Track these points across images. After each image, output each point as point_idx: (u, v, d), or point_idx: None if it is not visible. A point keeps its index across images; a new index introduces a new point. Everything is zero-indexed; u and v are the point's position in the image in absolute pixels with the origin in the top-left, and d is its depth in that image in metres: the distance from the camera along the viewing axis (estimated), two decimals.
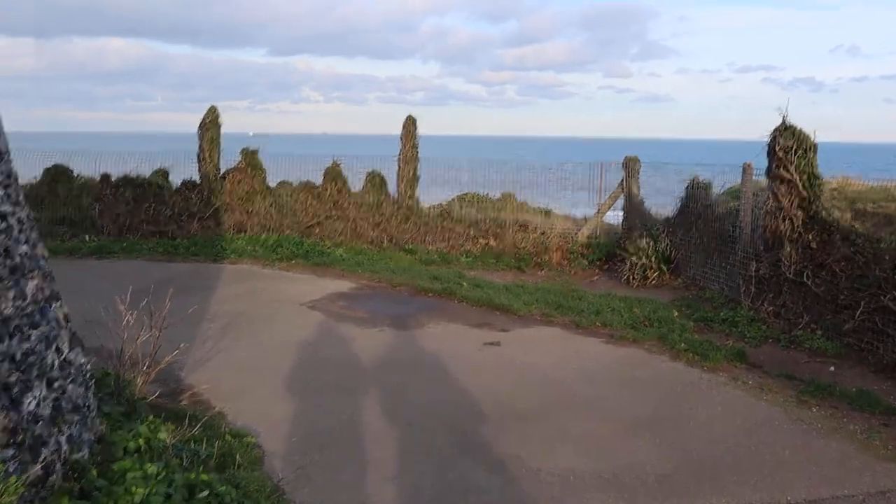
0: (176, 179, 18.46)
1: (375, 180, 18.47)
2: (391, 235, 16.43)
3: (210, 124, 16.75)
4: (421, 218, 16.52)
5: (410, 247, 16.17)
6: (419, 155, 16.62)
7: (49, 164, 19.58)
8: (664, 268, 13.76)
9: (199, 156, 17.08)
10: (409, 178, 16.48)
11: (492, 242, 16.30)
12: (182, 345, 8.02)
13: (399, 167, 16.59)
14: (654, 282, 13.69)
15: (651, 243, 13.98)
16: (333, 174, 16.75)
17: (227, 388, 7.87)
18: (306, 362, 8.76)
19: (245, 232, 16.74)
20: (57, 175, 19.42)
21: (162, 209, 16.92)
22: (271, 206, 16.82)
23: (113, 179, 17.23)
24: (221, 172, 17.18)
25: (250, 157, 16.92)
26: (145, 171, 19.33)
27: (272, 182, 17.91)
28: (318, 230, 16.68)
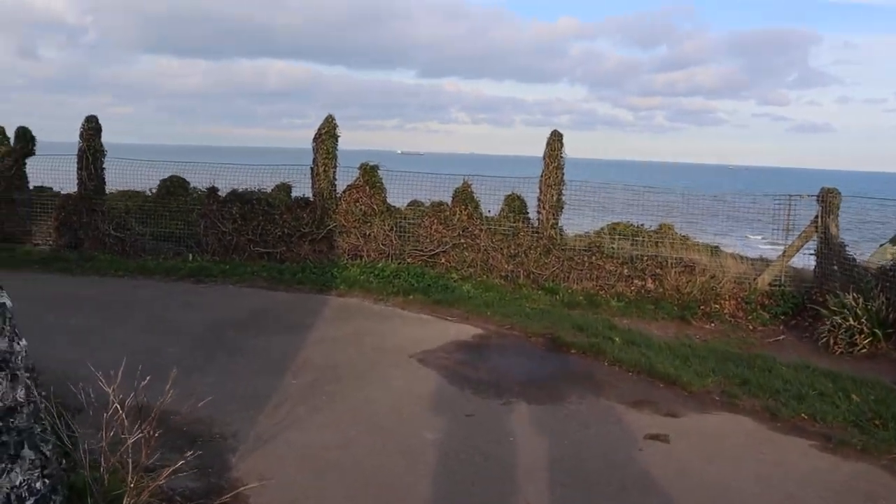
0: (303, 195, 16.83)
1: (514, 204, 16.22)
2: (528, 270, 14.09)
3: (326, 135, 14.96)
4: (565, 251, 14.09)
5: (551, 285, 13.78)
6: (565, 177, 14.20)
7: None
8: (879, 333, 10.75)
9: (312, 170, 15.33)
10: (553, 203, 14.10)
11: (649, 284, 13.68)
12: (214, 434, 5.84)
13: (540, 191, 14.26)
14: (864, 350, 10.72)
15: (860, 299, 11.01)
16: (464, 196, 14.60)
17: (284, 491, 5.77)
18: (397, 452, 6.57)
19: (361, 258, 14.83)
20: (172, 187, 18.24)
21: (271, 228, 15.27)
22: (391, 229, 14.83)
23: (221, 193, 15.70)
24: (339, 191, 15.35)
25: (369, 174, 15.01)
26: (269, 184, 17.87)
27: (403, 202, 15.98)
28: (443, 259, 14.56)
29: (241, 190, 15.87)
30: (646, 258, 13.97)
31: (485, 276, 14.19)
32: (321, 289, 13.35)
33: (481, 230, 14.43)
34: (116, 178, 17.50)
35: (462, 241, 14.48)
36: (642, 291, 13.64)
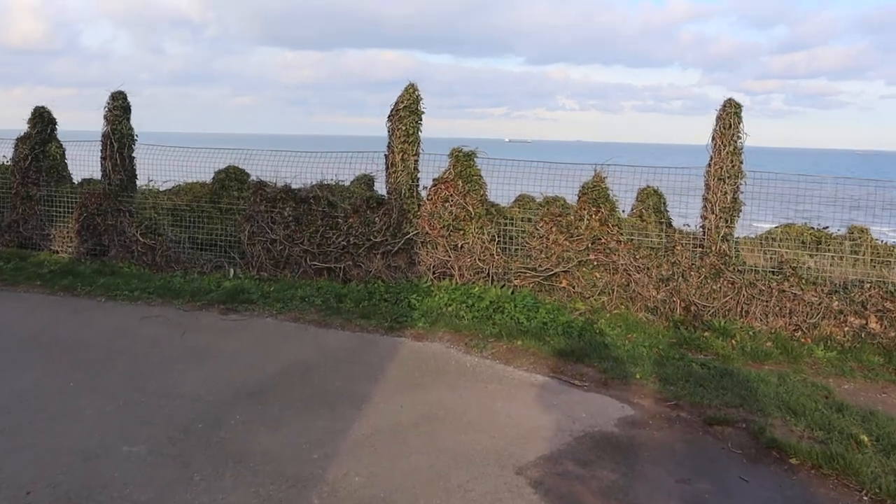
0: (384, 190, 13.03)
1: (650, 202, 12.10)
2: (688, 300, 9.83)
3: (404, 111, 11.04)
4: (744, 274, 9.74)
5: (722, 323, 9.51)
6: (744, 167, 9.87)
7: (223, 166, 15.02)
8: None
9: (386, 159, 11.46)
10: (726, 204, 9.78)
11: (873, 324, 9.24)
12: None
13: (707, 187, 9.96)
14: None
15: None
16: (595, 194, 10.40)
17: None
18: None
19: (451, 278, 10.91)
20: (227, 181, 14.80)
21: (332, 236, 11.51)
22: (492, 239, 10.81)
23: (268, 190, 12.03)
24: (421, 187, 11.43)
25: (463, 164, 10.97)
26: (348, 176, 14.16)
27: (507, 199, 12.00)
28: (564, 282, 10.44)
29: (297, 186, 12.14)
30: (867, 284, 9.50)
31: (624, 308, 10.03)
32: (392, 326, 9.48)
33: (619, 242, 10.23)
34: (174, 170, 14.15)
35: (591, 256, 10.30)
36: (863, 334, 9.22)
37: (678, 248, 10.07)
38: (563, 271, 10.42)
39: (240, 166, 15.03)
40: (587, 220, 10.32)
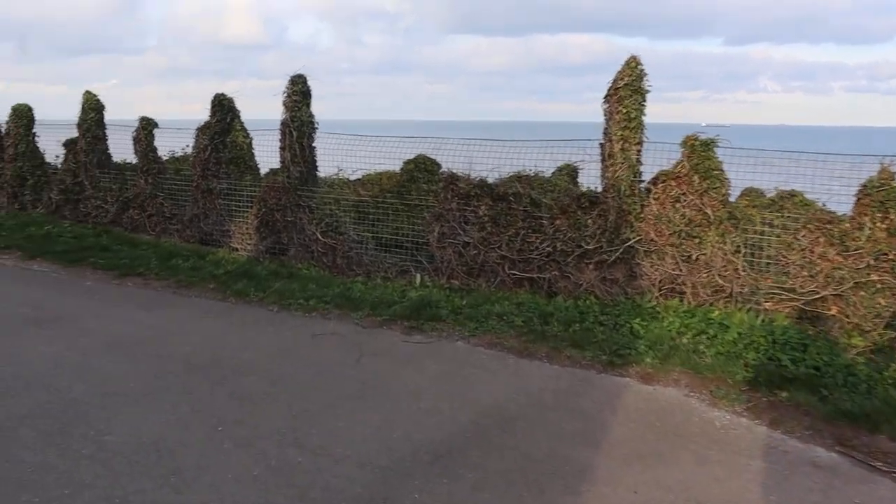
0: (590, 183, 11.18)
1: None
2: None
3: (625, 89, 9.03)
4: None
5: None
6: None
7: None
8: None
9: (602, 148, 9.53)
10: None
11: None
12: None
13: None
14: None
15: None
16: (882, 196, 7.98)
17: None
18: None
19: (682, 297, 8.87)
20: (416, 172, 13.41)
21: (535, 240, 9.77)
22: (737, 250, 8.64)
23: (461, 185, 10.46)
24: (644, 183, 9.42)
25: (699, 156, 8.82)
26: (547, 166, 12.38)
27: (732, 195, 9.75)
28: (834, 309, 8.13)
29: (492, 179, 10.50)
30: None
31: None
32: (611, 360, 7.61)
33: None
34: (363, 160, 12.91)
35: (874, 277, 7.92)
36: None
37: None
38: (834, 294, 8.11)
39: (430, 156, 13.60)
40: (870, 228, 7.96)
